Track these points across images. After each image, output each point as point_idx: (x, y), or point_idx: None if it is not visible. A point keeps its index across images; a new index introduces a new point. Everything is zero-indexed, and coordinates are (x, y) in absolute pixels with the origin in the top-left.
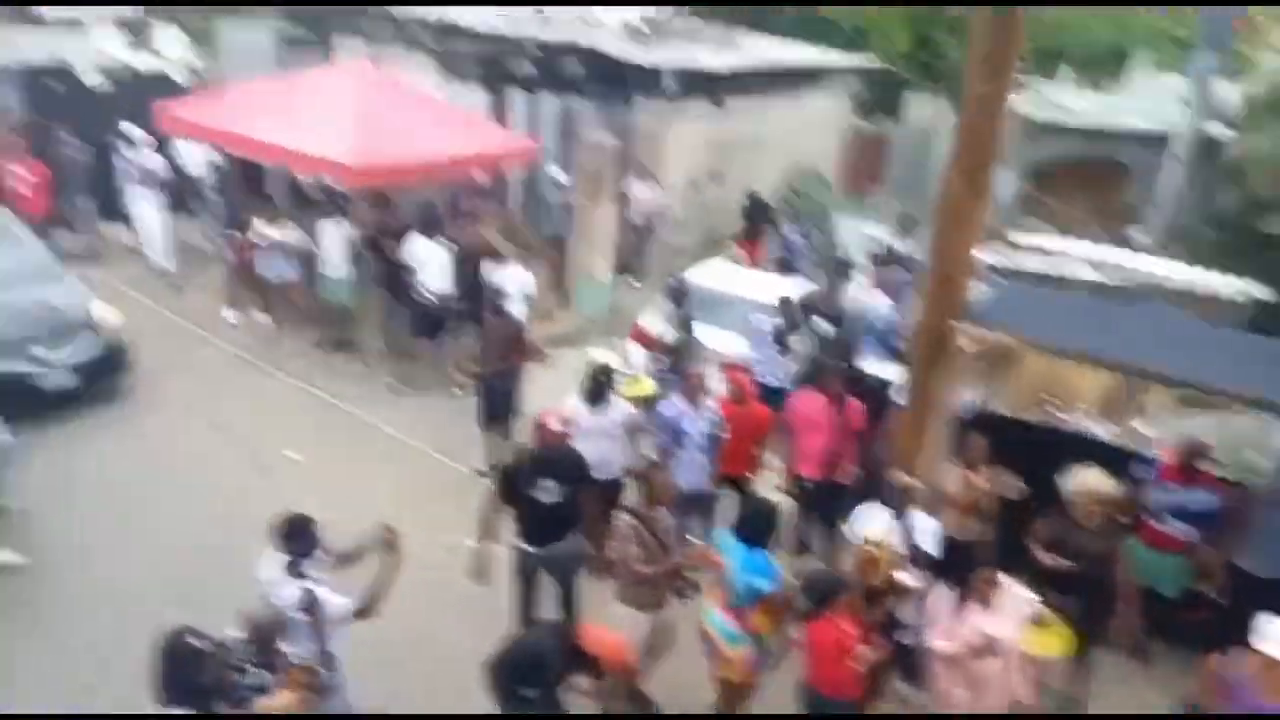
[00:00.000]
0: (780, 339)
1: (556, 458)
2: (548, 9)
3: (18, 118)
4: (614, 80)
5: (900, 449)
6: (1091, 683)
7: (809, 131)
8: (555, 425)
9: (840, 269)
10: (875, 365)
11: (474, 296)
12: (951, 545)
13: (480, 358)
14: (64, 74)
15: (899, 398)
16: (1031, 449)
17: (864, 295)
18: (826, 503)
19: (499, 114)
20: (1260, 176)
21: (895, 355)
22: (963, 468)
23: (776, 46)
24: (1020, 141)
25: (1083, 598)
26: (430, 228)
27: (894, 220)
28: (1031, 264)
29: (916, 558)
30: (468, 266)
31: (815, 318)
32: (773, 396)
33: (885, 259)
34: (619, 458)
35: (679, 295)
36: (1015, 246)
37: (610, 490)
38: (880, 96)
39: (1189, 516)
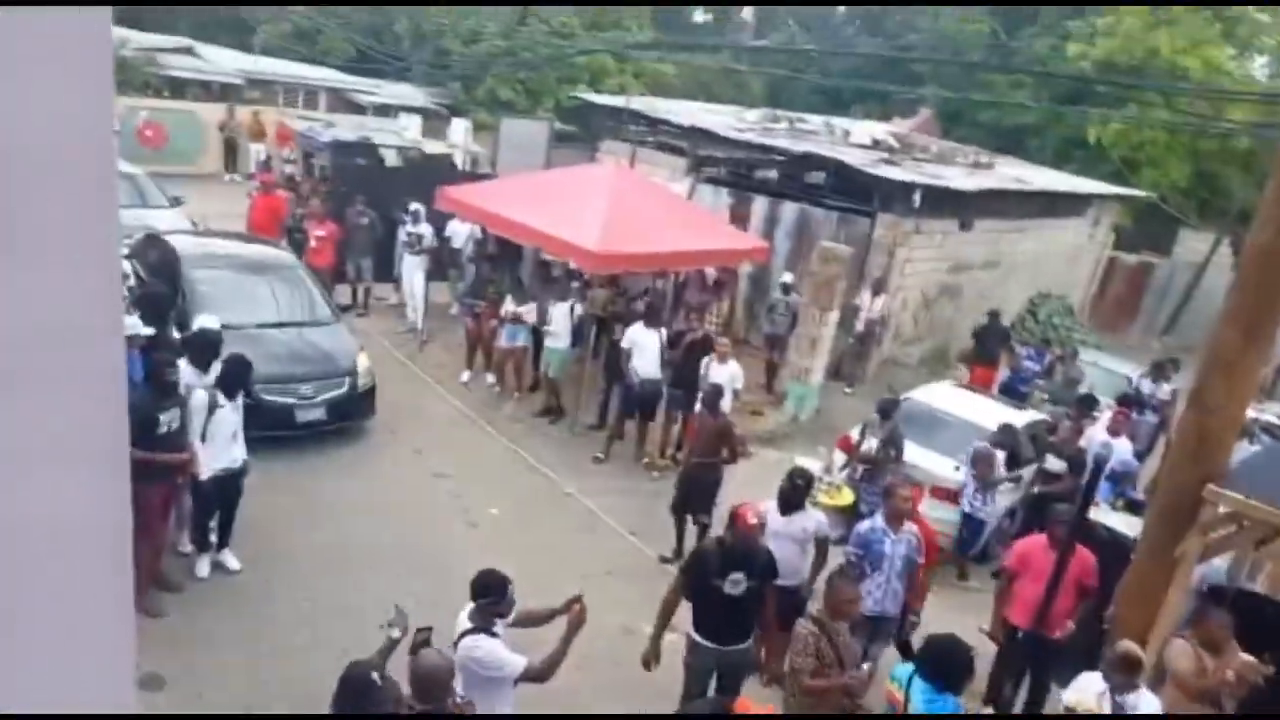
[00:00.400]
0: (977, 464)
1: (749, 551)
2: (799, 122)
3: (325, 184)
4: (856, 192)
5: (1127, 613)
6: None
7: (1059, 258)
8: (751, 519)
9: (1082, 405)
10: (1108, 514)
11: (689, 386)
12: None
13: (687, 448)
14: (368, 151)
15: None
16: None
17: (1105, 437)
18: (1035, 658)
19: (739, 215)
20: None
21: (1132, 507)
22: (1197, 646)
23: (1032, 171)
24: None
25: None
26: (651, 315)
27: (1148, 360)
28: None
29: None
30: (686, 356)
31: (1048, 454)
32: (974, 527)
33: (1133, 400)
34: (803, 565)
35: (889, 409)
36: None
37: (789, 596)
38: (1146, 229)
39: None
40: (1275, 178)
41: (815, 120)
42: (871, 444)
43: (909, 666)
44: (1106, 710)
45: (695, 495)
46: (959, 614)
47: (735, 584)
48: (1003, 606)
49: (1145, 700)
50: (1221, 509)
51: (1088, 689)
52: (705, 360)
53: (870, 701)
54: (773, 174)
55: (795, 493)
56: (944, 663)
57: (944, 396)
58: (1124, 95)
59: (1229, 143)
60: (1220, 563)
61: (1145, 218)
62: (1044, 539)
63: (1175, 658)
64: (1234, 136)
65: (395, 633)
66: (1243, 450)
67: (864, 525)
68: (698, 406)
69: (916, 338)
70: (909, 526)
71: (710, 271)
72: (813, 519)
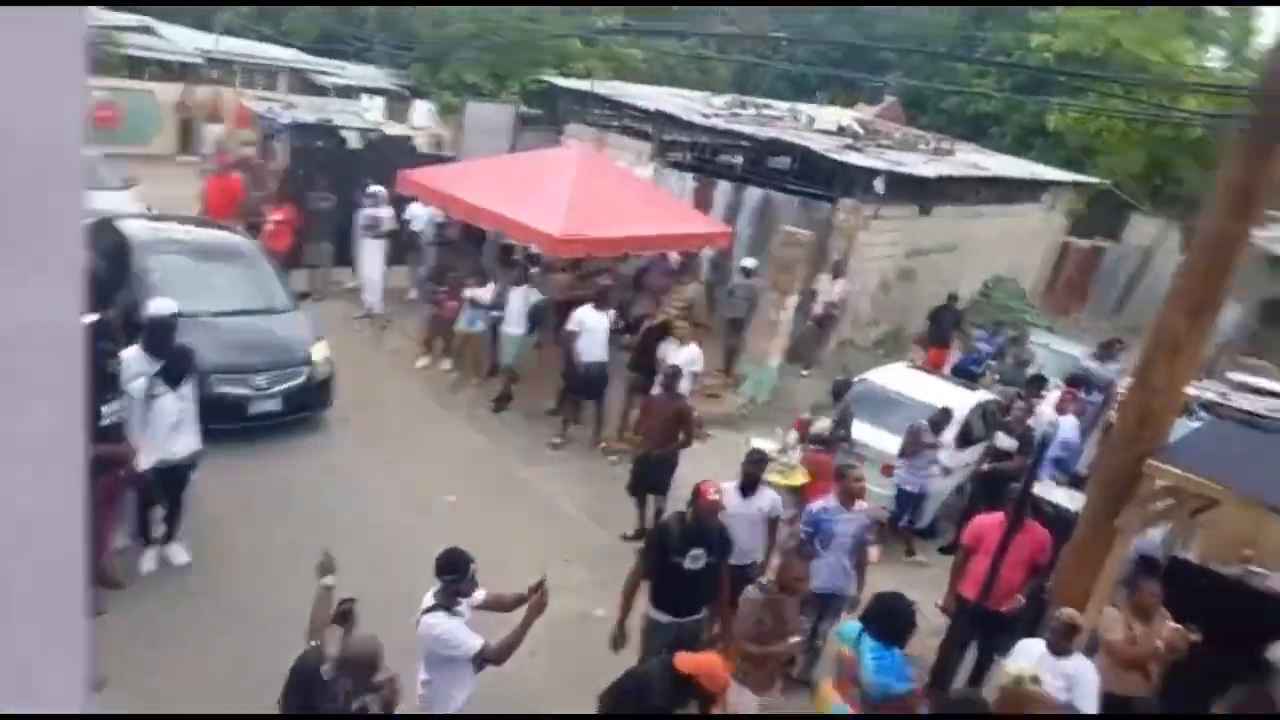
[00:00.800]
0: (911, 440)
1: (709, 527)
2: (765, 109)
3: (283, 166)
4: (820, 178)
5: (1068, 582)
6: None
7: (1014, 243)
8: (712, 494)
9: (1032, 385)
10: (1052, 490)
11: (647, 370)
12: (1107, 700)
13: (644, 431)
14: (328, 133)
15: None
16: (1223, 608)
17: (1052, 415)
18: (982, 630)
19: (703, 199)
20: None
21: (1075, 482)
22: (1129, 615)
23: (991, 158)
24: (1254, 275)
25: None
26: (601, 298)
27: (1095, 341)
28: (1249, 405)
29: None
30: (645, 340)
31: (999, 433)
32: (904, 500)
33: (1082, 380)
34: (757, 544)
35: (840, 390)
36: (1232, 385)
37: (742, 574)
38: (1099, 214)
39: None
40: (1224, 167)
41: (781, 106)
42: (823, 424)
43: (857, 625)
44: (1045, 674)
45: (653, 476)
46: (907, 589)
47: (695, 559)
48: (957, 581)
49: (1081, 665)
50: (1160, 483)
51: (1028, 654)
52: (663, 344)
53: (820, 674)
54: (738, 159)
55: (753, 473)
56: (889, 619)
57: (897, 378)
58: (1084, 86)
59: (1183, 132)
60: (1155, 534)
61: (1098, 203)
62: (1000, 516)
63: (1108, 627)
64: (1187, 126)
65: (329, 580)
66: (1182, 426)
67: (815, 505)
68: (655, 389)
69: (874, 321)
70: (860, 505)
71: (673, 256)
72: (768, 499)
